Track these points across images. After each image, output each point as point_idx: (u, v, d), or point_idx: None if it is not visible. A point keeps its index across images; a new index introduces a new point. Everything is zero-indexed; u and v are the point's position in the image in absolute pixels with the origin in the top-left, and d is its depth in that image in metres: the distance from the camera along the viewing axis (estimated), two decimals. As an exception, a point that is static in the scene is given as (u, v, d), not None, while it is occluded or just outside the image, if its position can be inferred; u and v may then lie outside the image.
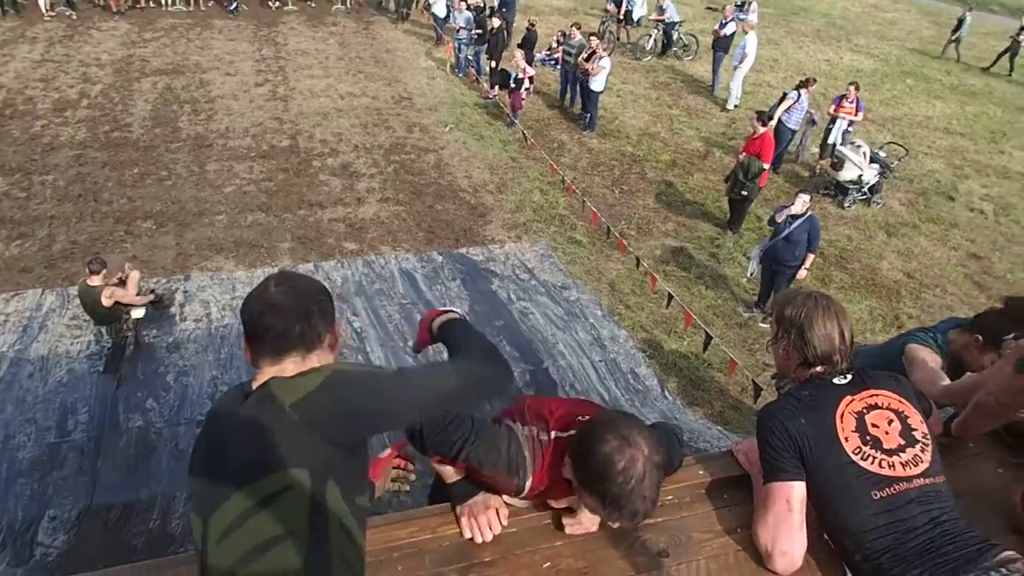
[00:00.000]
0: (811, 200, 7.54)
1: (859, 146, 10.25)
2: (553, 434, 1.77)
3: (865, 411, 1.76)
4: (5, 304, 6.76)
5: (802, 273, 7.58)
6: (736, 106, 13.54)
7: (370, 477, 1.80)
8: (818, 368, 1.82)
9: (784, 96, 10.87)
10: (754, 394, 6.14)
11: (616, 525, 1.70)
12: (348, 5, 18.74)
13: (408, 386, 1.49)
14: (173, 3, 17.64)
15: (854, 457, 1.71)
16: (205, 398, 5.84)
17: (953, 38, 18.21)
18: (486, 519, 1.79)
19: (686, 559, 1.78)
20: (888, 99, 14.97)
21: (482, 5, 14.64)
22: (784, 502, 1.71)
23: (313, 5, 18.66)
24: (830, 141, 10.82)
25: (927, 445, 1.75)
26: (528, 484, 1.73)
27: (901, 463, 1.71)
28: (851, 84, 10.95)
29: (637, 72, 15.54)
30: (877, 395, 1.79)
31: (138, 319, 6.49)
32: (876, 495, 1.68)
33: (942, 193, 11.08)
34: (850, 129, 10.88)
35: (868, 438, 1.73)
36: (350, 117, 12.17)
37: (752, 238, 9.33)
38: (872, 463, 1.71)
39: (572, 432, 1.73)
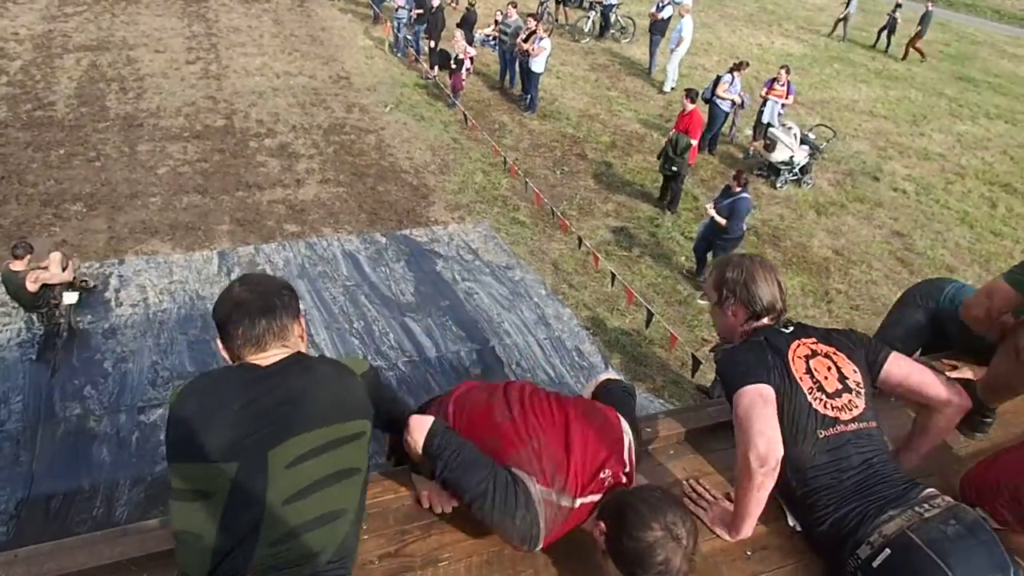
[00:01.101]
0: (743, 180, 7.80)
1: (790, 128, 10.63)
2: (578, 502, 1.69)
3: (809, 356, 1.89)
4: (-75, 291, 6.44)
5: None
6: (673, 88, 13.81)
7: None
8: (765, 320, 1.95)
9: (718, 79, 11.16)
10: (692, 367, 6.37)
11: None
12: (282, -18, 18.26)
13: (398, 406, 1.88)
14: (95, -24, 16.86)
15: (808, 397, 1.83)
16: (145, 384, 5.71)
17: (841, 17, 18.99)
18: (449, 501, 1.83)
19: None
20: (817, 83, 15.50)
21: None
22: (758, 397, 1.78)
23: (245, -19, 18.12)
24: (764, 121, 11.17)
25: (860, 392, 1.88)
26: (539, 547, 1.68)
27: (839, 407, 1.84)
28: (782, 68, 11.31)
29: (576, 54, 15.67)
30: (816, 344, 1.92)
31: (71, 304, 6.28)
32: (821, 434, 1.81)
33: (867, 174, 11.59)
34: (782, 112, 11.25)
35: (815, 381, 1.85)
36: (287, 96, 11.93)
37: (689, 217, 9.60)
38: (819, 404, 1.83)
39: (599, 495, 1.71)
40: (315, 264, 7.38)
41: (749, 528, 1.81)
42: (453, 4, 16.93)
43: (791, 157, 10.48)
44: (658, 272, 8.49)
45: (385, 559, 1.71)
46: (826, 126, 11.90)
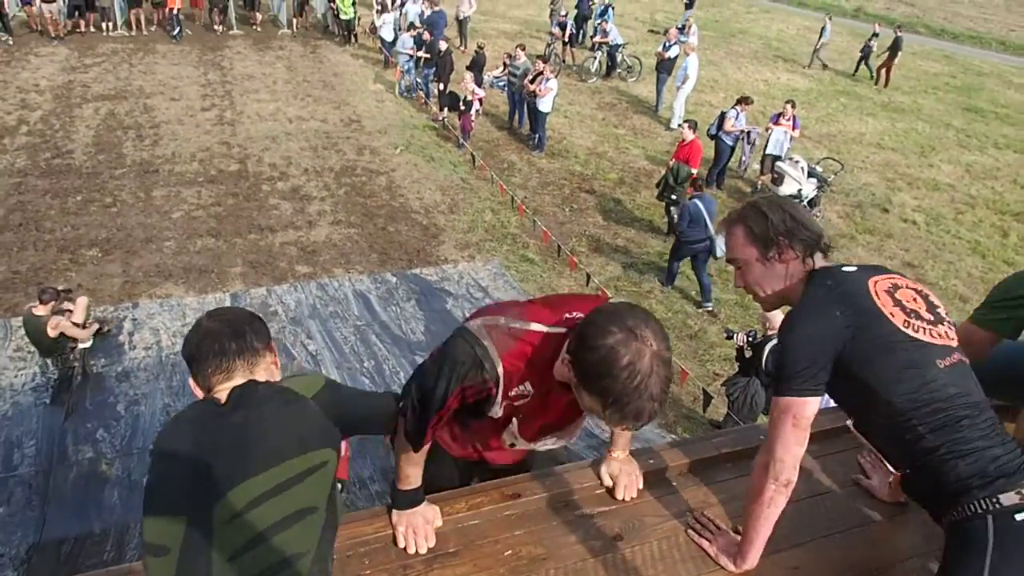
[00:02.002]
0: (698, 186, 8.83)
1: (797, 161, 10.68)
2: (534, 325, 1.66)
3: (893, 289, 1.67)
4: (-56, 337, 6.54)
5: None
6: (679, 125, 13.92)
7: (339, 475, 1.91)
8: (820, 257, 1.73)
9: (723, 114, 11.27)
10: (704, 403, 6.32)
11: (620, 428, 1.68)
12: (294, 29, 18.75)
13: (369, 401, 1.83)
14: (115, 28, 17.40)
15: (905, 329, 1.59)
16: (157, 426, 5.74)
17: (816, 47, 19.21)
18: (423, 532, 1.81)
19: (639, 542, 1.87)
20: (823, 117, 15.61)
21: (420, 28, 14.81)
22: (791, 417, 1.61)
23: (259, 29, 18.62)
24: (769, 152, 11.23)
25: (952, 325, 1.68)
26: (500, 371, 1.63)
27: (942, 335, 1.63)
28: (788, 102, 11.41)
29: (583, 93, 15.90)
30: (892, 276, 1.72)
31: (85, 349, 6.36)
32: (941, 363, 1.58)
33: (877, 205, 11.59)
34: (789, 145, 11.33)
35: (909, 310, 1.63)
36: (299, 140, 12.16)
37: (699, 252, 9.61)
38: (924, 333, 1.60)
39: (562, 329, 1.64)
40: (326, 304, 7.44)
41: (755, 557, 1.78)
42: (462, 48, 17.28)
43: (799, 190, 10.51)
44: (668, 307, 8.48)
45: (387, 594, 1.69)
46: (833, 159, 11.95)
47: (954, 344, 1.63)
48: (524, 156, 12.44)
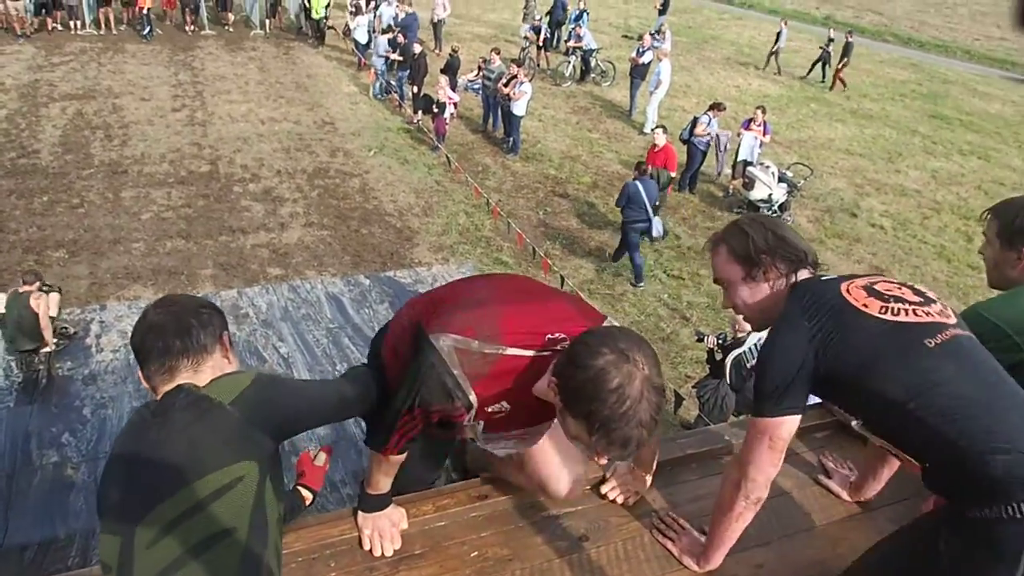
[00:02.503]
0: (642, 169, 9.24)
1: (768, 167, 10.83)
2: (511, 351, 1.53)
3: (870, 284, 1.61)
4: (-97, 339, 6.39)
5: None
6: (652, 130, 14.02)
7: (310, 485, 1.87)
8: (805, 272, 1.69)
9: (696, 120, 11.39)
10: (675, 404, 6.38)
11: (603, 460, 1.54)
12: (267, 30, 18.60)
13: (320, 390, 1.69)
14: (83, 27, 17.11)
15: (883, 315, 1.52)
16: (125, 430, 5.67)
17: (773, 50, 19.54)
18: (389, 535, 1.79)
19: (604, 542, 1.89)
20: (794, 122, 15.83)
21: (395, 30, 14.78)
22: (767, 439, 1.58)
23: (231, 30, 18.43)
24: (741, 157, 11.37)
25: (946, 305, 1.61)
26: (473, 399, 1.53)
27: (935, 313, 1.55)
28: (759, 108, 11.57)
29: (558, 97, 15.96)
30: (873, 276, 1.67)
31: (50, 352, 6.26)
32: (930, 342, 1.49)
33: (845, 210, 11.78)
34: (760, 150, 11.47)
35: (888, 297, 1.56)
36: (272, 142, 12.06)
37: (671, 255, 9.70)
38: (906, 315, 1.53)
39: (543, 352, 1.54)
40: (299, 307, 7.37)
41: (719, 559, 1.81)
42: (437, 51, 17.26)
43: (770, 195, 10.65)
44: (640, 310, 8.54)
45: (351, 597, 1.69)
46: (804, 164, 12.13)
47: (950, 320, 1.54)
48: (499, 159, 12.46)
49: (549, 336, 1.54)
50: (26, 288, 6.26)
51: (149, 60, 15.65)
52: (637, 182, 8.83)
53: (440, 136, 12.24)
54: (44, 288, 6.59)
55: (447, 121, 12.32)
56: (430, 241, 9.56)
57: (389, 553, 1.79)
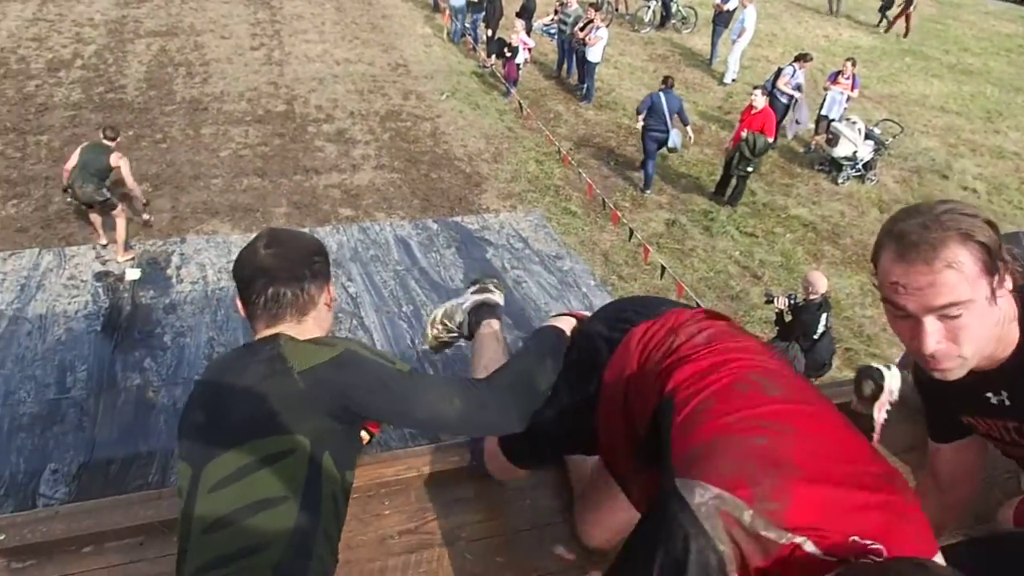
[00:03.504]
0: (669, 83, 9.52)
1: (854, 123, 10.30)
2: (796, 539, 0.93)
3: None
4: (3, 263, 6.80)
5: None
6: (733, 80, 13.53)
7: (370, 427, 1.86)
8: None
9: (779, 71, 10.88)
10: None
11: None
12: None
13: (412, 394, 1.39)
14: (168, -36, 17.40)
15: None
16: (202, 358, 5.93)
17: None
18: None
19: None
20: (886, 76, 14.97)
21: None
22: None
23: (310, -31, 18.45)
24: (824, 114, 10.86)
25: None
26: None
27: None
28: (848, 60, 10.96)
29: (635, 44, 15.48)
30: None
31: (134, 280, 6.57)
32: None
33: (936, 171, 11.16)
34: (847, 105, 10.92)
35: None
36: (346, 83, 12.12)
37: (745, 212, 9.42)
38: None
39: (833, 558, 0.92)
40: (368, 248, 7.52)
41: None
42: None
43: (854, 152, 10.16)
44: (710, 266, 8.36)
45: (405, 535, 1.74)
46: (893, 121, 11.49)
47: None
48: (571, 107, 12.23)
49: (854, 539, 0.93)
50: (107, 142, 7.41)
51: (229, -2, 15.86)
52: (660, 93, 9.29)
53: (512, 81, 12.06)
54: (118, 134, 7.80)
55: (519, 66, 12.12)
56: (499, 188, 9.53)
57: None
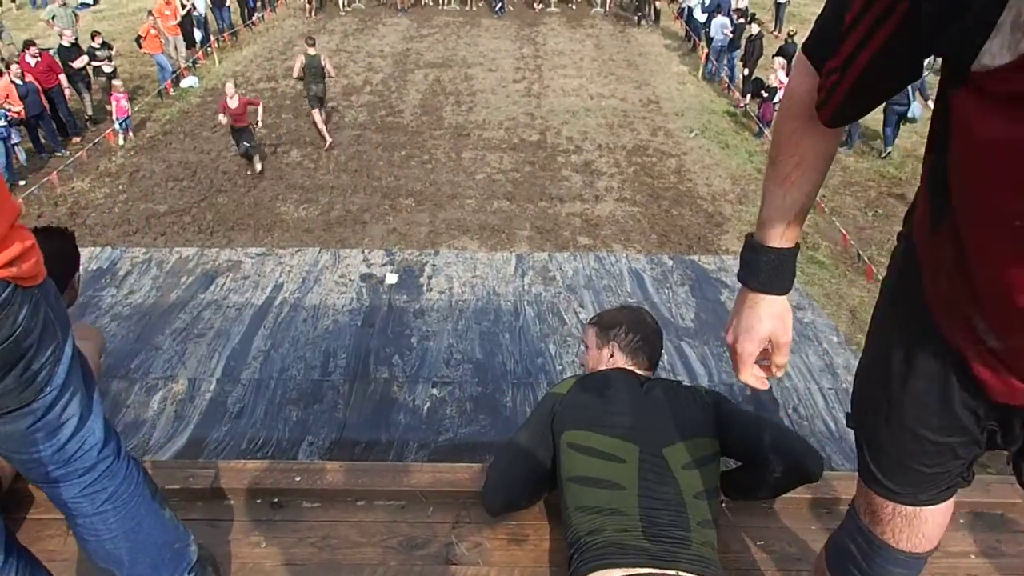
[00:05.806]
0: None
1: None
2: None
3: None
4: (291, 257, 7.81)
5: None
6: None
7: None
8: None
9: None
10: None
11: None
12: (606, 8, 19.16)
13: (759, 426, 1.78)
14: (449, 2, 19.21)
15: None
16: (441, 362, 6.34)
17: None
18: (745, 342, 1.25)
19: None
20: None
21: (744, 9, 14.25)
22: None
23: (573, 7, 19.35)
24: None
25: None
26: None
27: None
28: None
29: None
30: None
31: (392, 284, 7.26)
32: None
33: None
34: None
35: None
36: (597, 117, 12.50)
37: None
38: None
39: None
40: (601, 278, 7.62)
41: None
42: (776, 32, 16.38)
43: None
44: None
45: (423, 547, 1.76)
46: None
47: None
48: (829, 151, 11.52)
49: None
50: (313, 50, 10.37)
51: (499, 34, 17.09)
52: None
53: (766, 122, 11.66)
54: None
55: (775, 107, 11.68)
56: (741, 230, 9.23)
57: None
